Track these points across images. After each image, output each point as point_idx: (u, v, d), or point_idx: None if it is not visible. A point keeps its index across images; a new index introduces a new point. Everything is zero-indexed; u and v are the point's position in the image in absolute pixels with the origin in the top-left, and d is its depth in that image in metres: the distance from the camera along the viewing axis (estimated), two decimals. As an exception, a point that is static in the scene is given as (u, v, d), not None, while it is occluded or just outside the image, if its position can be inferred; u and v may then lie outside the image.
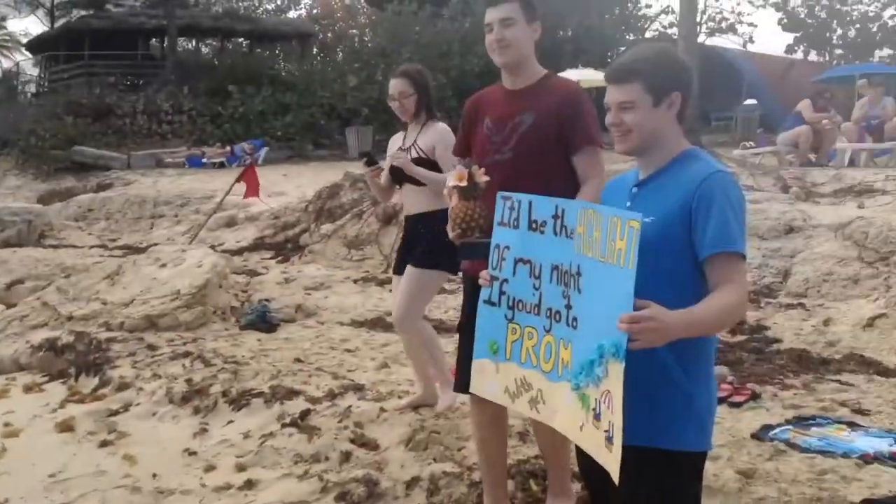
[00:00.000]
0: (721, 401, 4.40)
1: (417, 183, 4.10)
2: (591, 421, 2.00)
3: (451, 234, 2.84)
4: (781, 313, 6.46)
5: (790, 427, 3.97)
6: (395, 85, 4.25)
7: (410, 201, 4.23)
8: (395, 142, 4.39)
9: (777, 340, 5.78)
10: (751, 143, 13.47)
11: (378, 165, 4.29)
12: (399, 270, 4.32)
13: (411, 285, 4.13)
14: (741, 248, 2.04)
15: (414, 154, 4.15)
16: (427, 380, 4.44)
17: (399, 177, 4.19)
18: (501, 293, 2.35)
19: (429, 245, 4.04)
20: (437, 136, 4.13)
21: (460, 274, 3.51)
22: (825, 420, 4.07)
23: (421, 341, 4.28)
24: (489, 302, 2.39)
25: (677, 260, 2.06)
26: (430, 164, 4.09)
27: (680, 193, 2.07)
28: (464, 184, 2.77)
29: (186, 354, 5.52)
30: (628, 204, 2.18)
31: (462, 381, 3.14)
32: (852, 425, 3.98)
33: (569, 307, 2.14)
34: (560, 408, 2.15)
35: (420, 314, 4.29)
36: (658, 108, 2.11)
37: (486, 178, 2.81)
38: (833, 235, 7.41)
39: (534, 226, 2.27)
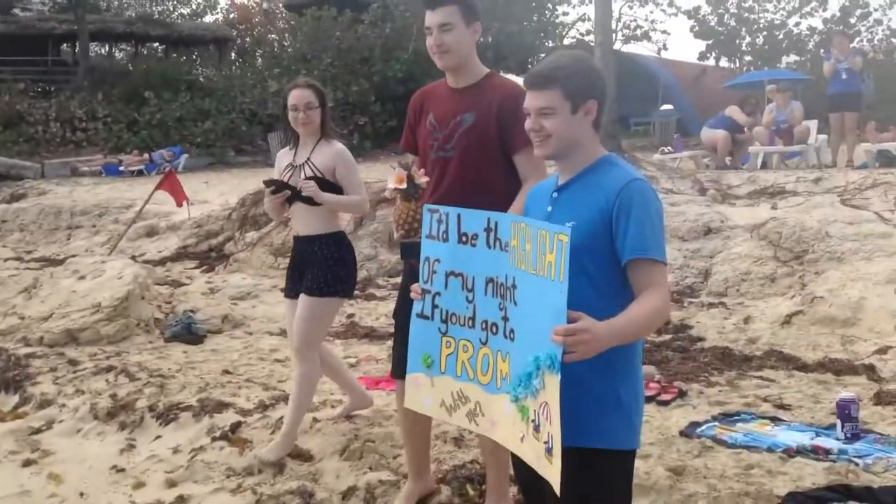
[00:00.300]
0: (649, 399, 4.52)
1: (311, 203, 3.89)
2: (530, 433, 2.01)
3: (395, 235, 2.93)
4: (704, 312, 6.67)
5: (716, 423, 4.10)
6: (301, 95, 3.94)
7: (303, 222, 3.99)
8: (284, 157, 4.10)
9: (701, 339, 5.97)
10: (669, 147, 13.86)
11: (283, 193, 3.95)
12: (291, 294, 4.07)
13: (308, 314, 3.91)
14: (660, 254, 2.11)
15: (308, 172, 3.94)
16: (352, 387, 4.39)
17: (294, 197, 3.94)
18: (434, 306, 2.34)
19: (324, 270, 3.90)
20: (337, 156, 3.95)
21: (387, 279, 3.58)
22: (749, 416, 4.21)
23: (304, 373, 3.99)
24: (422, 315, 2.37)
25: (601, 264, 2.12)
26: (327, 183, 3.90)
27: (600, 199, 2.13)
28: (404, 186, 2.82)
29: (110, 369, 5.38)
30: (549, 209, 2.24)
31: (398, 367, 3.20)
32: (775, 420, 4.14)
33: (506, 319, 2.15)
34: (500, 420, 2.16)
35: (320, 343, 4.11)
36: (576, 115, 2.18)
37: (425, 179, 2.89)
38: (749, 236, 7.69)
39: (464, 239, 2.26)
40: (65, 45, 29.85)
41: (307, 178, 3.88)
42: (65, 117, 21.23)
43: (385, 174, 3.31)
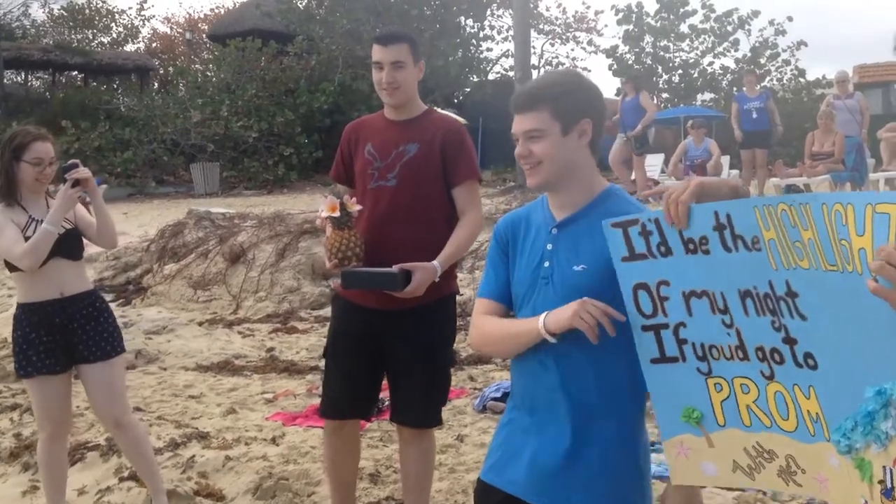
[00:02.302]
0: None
1: (75, 256, 3.50)
2: (877, 498, 1.48)
3: (328, 264, 2.92)
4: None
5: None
6: (48, 149, 3.45)
7: (67, 280, 3.46)
8: (7, 221, 3.38)
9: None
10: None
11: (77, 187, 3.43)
12: (56, 368, 3.46)
13: (112, 379, 3.54)
14: None
15: (65, 226, 3.43)
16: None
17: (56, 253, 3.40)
18: (681, 342, 1.77)
19: (105, 327, 3.54)
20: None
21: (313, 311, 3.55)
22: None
23: (138, 436, 3.65)
24: (664, 359, 1.80)
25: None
26: (78, 236, 3.52)
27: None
28: (336, 214, 2.83)
29: (14, 407, 5.22)
30: (549, 246, 1.99)
31: (333, 407, 3.20)
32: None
33: (791, 341, 1.61)
34: (829, 475, 1.63)
35: (129, 405, 3.78)
36: (568, 137, 1.94)
37: (358, 208, 2.90)
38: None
39: (691, 247, 1.72)
40: (-23, 71, 28.89)
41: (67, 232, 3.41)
42: (-24, 146, 20.50)
43: (311, 205, 3.30)
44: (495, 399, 5.04)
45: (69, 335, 3.46)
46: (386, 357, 3.10)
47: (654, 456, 4.03)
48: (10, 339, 5.35)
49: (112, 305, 9.31)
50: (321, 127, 22.18)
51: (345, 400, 3.16)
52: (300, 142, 21.82)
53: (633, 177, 12.14)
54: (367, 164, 3.10)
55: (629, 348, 1.84)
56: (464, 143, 3.11)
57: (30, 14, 32.87)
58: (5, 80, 26.57)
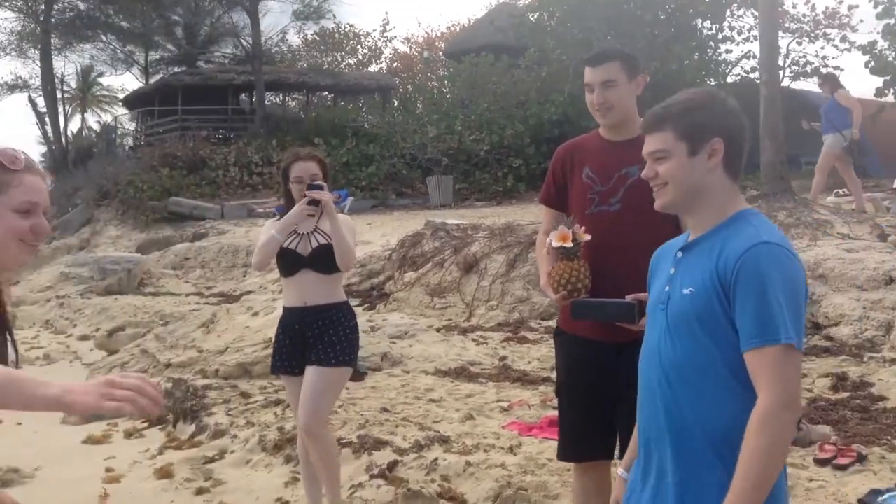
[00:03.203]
0: (825, 463, 4.22)
1: (324, 270, 3.71)
2: None
3: (554, 296, 2.80)
4: (886, 369, 6.17)
5: (901, 492, 3.76)
6: (307, 168, 3.78)
7: (312, 291, 3.72)
8: (268, 229, 3.81)
9: (883, 398, 5.51)
10: (844, 189, 13.04)
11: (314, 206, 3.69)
12: (294, 370, 3.77)
13: (325, 386, 3.67)
14: (788, 337, 1.69)
15: (319, 241, 3.73)
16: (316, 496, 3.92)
17: (297, 264, 3.72)
18: None
19: (340, 338, 3.70)
20: (346, 227, 3.74)
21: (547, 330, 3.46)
22: (939, 485, 3.84)
23: (326, 448, 3.75)
24: None
25: (720, 347, 1.77)
26: (331, 252, 3.69)
27: (718, 264, 1.80)
28: (569, 244, 2.74)
29: (278, 402, 5.62)
30: (672, 270, 1.94)
31: (567, 448, 3.07)
32: (970, 491, 3.74)
33: None
34: None
35: (329, 418, 3.92)
36: (696, 157, 1.87)
37: (587, 237, 2.78)
38: (937, 286, 7.07)
39: None
40: (243, 94, 32.16)
41: (315, 248, 3.71)
42: (242, 162, 22.79)
43: (539, 216, 3.23)
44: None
45: (304, 341, 3.72)
46: (619, 392, 2.85)
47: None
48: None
49: (358, 310, 10.07)
50: (549, 138, 22.23)
51: (589, 437, 2.99)
52: (529, 153, 22.04)
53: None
54: (586, 189, 2.98)
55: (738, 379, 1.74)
56: None
57: (287, 40, 36.00)
58: (266, 102, 29.33)
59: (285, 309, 3.83)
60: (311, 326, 3.71)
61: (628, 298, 2.60)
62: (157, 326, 7.84)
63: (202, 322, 7.32)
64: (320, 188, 3.67)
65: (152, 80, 33.81)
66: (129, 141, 33.22)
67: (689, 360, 1.82)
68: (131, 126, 35.34)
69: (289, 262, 3.74)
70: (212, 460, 4.83)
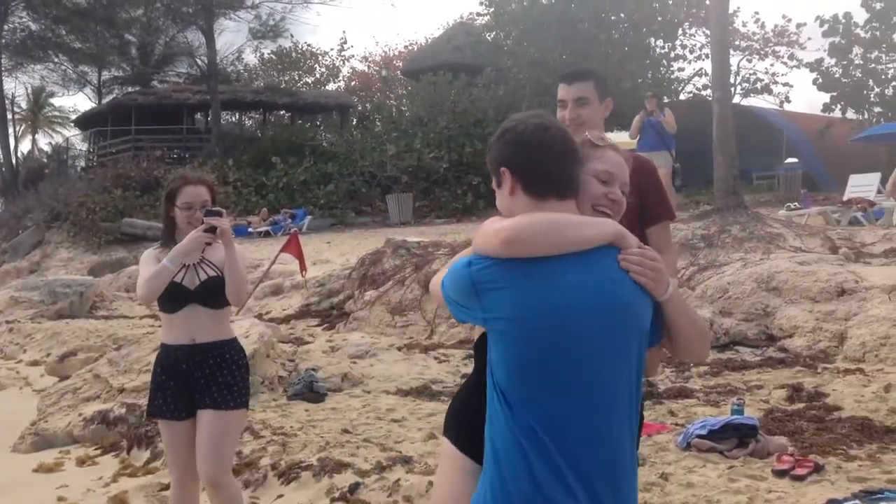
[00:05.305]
0: (783, 474, 4.27)
1: (213, 305, 3.41)
2: None
3: None
4: (840, 379, 6.28)
5: (857, 501, 3.82)
6: (198, 193, 3.46)
7: (199, 327, 3.40)
8: (152, 259, 3.44)
9: (837, 408, 5.60)
10: (795, 203, 13.33)
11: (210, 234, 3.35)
12: (181, 414, 3.42)
13: (224, 432, 3.38)
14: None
15: (208, 273, 3.42)
16: None
17: (183, 298, 3.38)
18: None
19: (235, 378, 3.43)
20: (241, 258, 3.49)
21: None
22: (894, 493, 3.90)
23: (232, 497, 3.46)
24: None
25: None
26: (223, 283, 3.40)
27: None
28: None
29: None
30: None
31: None
32: (924, 499, 3.81)
33: None
34: None
35: (231, 464, 3.61)
36: (500, 189, 2.01)
37: None
38: (887, 297, 7.23)
39: None
40: (198, 114, 31.91)
41: (204, 280, 3.40)
42: (198, 182, 22.55)
43: None
44: (700, 437, 4.80)
45: (193, 383, 3.39)
46: None
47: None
48: None
49: (317, 330, 9.99)
50: (509, 155, 22.41)
51: None
52: (488, 170, 22.16)
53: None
54: None
55: None
56: (659, 183, 3.08)
57: (243, 59, 35.83)
58: (222, 121, 29.11)
59: (167, 347, 3.46)
60: (201, 366, 3.39)
61: None
62: (111, 350, 7.66)
63: (156, 345, 7.16)
64: (219, 214, 3.36)
65: (105, 100, 33.39)
66: (81, 162, 32.75)
67: None
68: (83, 147, 34.86)
69: (173, 296, 3.36)
70: (167, 487, 4.70)
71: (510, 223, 1.87)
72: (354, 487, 4.33)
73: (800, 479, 4.22)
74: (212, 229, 3.31)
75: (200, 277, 3.39)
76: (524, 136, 1.95)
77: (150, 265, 3.38)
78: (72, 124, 37.51)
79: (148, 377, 6.51)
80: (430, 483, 4.24)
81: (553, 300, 1.82)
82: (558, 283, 1.83)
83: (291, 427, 5.55)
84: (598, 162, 2.07)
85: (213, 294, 3.39)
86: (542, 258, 1.84)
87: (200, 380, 3.38)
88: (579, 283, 1.84)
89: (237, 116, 34.23)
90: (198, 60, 30.07)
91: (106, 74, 34.78)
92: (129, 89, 33.02)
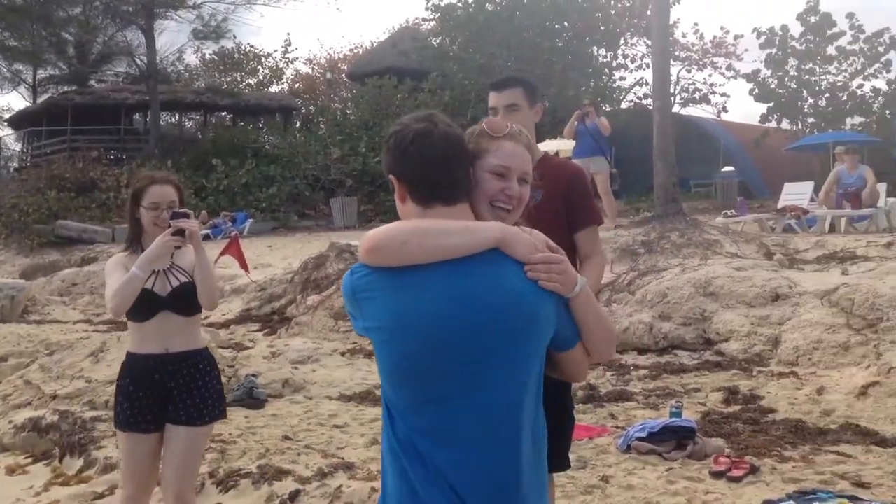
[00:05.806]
0: (720, 475, 4.35)
1: (186, 312, 3.30)
2: None
3: None
4: (774, 382, 6.44)
5: (792, 502, 3.91)
6: (166, 192, 3.32)
7: (172, 336, 3.28)
8: (119, 267, 3.27)
9: (772, 410, 5.74)
10: (732, 210, 13.66)
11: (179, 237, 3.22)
12: (149, 427, 3.26)
13: (194, 447, 3.29)
14: None
15: (179, 279, 3.29)
16: None
17: (155, 306, 3.24)
18: None
19: (209, 391, 3.32)
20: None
21: None
22: (827, 494, 4.01)
23: None
24: None
25: None
26: (193, 291, 3.29)
27: None
28: None
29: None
30: None
31: None
32: (854, 499, 3.93)
33: None
34: None
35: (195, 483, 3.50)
36: (396, 196, 1.95)
37: None
38: (820, 302, 7.45)
39: None
40: (137, 114, 31.24)
41: (177, 287, 3.28)
42: (136, 184, 22.09)
43: None
44: (640, 439, 4.87)
45: (165, 393, 3.26)
46: None
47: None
48: None
49: (258, 335, 9.83)
50: (455, 160, 22.47)
51: None
52: (435, 175, 22.25)
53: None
54: None
55: None
56: (587, 188, 3.14)
57: (184, 59, 35.21)
58: (161, 122, 28.55)
59: (136, 356, 3.30)
60: (174, 376, 3.26)
61: None
62: (43, 356, 7.41)
63: (91, 351, 6.96)
64: (186, 216, 3.22)
65: (40, 100, 32.46)
66: (15, 162, 31.76)
67: None
68: (17, 147, 33.80)
69: (144, 304, 3.20)
70: (101, 496, 4.59)
71: (373, 232, 1.84)
72: (295, 495, 4.28)
73: (736, 480, 4.31)
74: (180, 232, 3.18)
75: (172, 284, 3.27)
76: (404, 145, 1.89)
77: (117, 274, 3.21)
78: (5, 124, 36.37)
79: (81, 384, 6.38)
80: (373, 489, 4.20)
81: (425, 309, 1.77)
82: (431, 291, 1.78)
83: (230, 434, 5.45)
84: (493, 156, 1.98)
85: (185, 301, 3.28)
86: (418, 266, 1.78)
87: (174, 391, 3.26)
88: (456, 291, 1.77)
89: (177, 117, 33.60)
90: (137, 60, 29.42)
91: (42, 73, 33.83)
92: (66, 88, 32.17)
